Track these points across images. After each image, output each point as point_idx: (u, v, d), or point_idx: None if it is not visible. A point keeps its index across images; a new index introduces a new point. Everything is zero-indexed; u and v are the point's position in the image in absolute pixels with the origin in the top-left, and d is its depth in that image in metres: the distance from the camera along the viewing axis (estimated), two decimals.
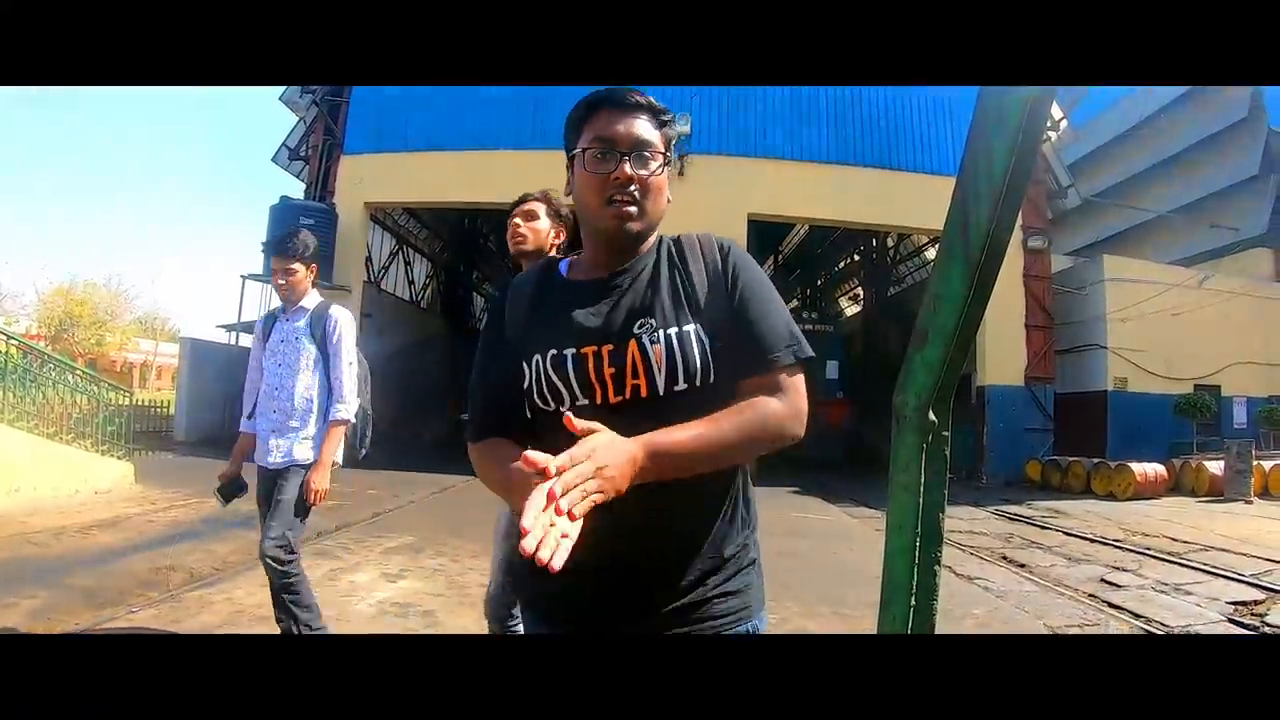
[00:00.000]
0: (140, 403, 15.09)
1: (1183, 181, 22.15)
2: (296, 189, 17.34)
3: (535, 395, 1.32)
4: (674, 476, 1.16)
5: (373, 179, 15.65)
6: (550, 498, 0.98)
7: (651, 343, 1.27)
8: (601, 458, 1.07)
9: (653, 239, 1.41)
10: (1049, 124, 15.14)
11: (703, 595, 1.27)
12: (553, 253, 2.82)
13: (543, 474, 1.00)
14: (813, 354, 1.29)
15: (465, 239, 25.39)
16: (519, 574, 1.35)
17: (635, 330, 1.29)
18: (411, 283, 21.76)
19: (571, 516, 0.99)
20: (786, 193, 15.30)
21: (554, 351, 1.30)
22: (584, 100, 1.36)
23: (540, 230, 2.73)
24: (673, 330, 1.28)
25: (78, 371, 10.76)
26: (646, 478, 1.12)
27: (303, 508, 3.32)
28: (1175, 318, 15.84)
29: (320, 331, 3.40)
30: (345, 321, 3.46)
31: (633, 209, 1.31)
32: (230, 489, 3.52)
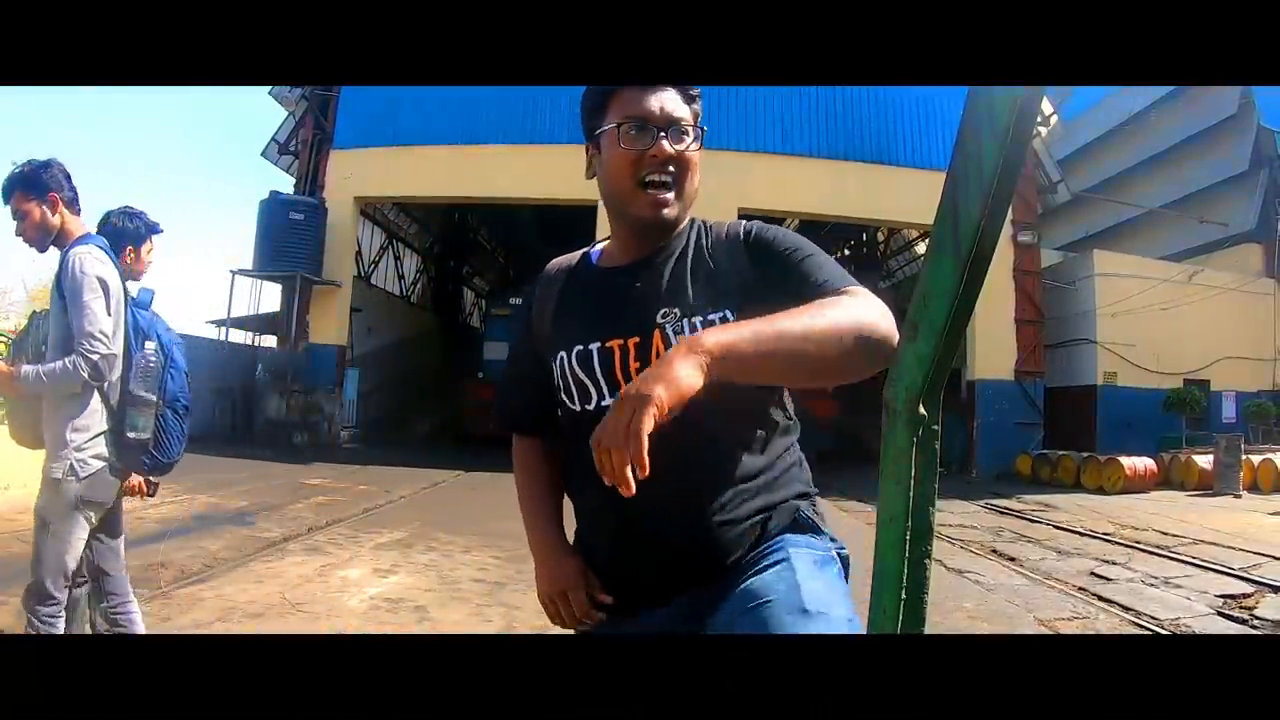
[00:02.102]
0: None
1: (1172, 177, 22.22)
2: (286, 184, 17.28)
3: (563, 394, 1.25)
4: (754, 374, 1.01)
5: (363, 173, 15.59)
6: (596, 445, 0.93)
7: (675, 333, 1.17)
8: (634, 385, 0.94)
9: (685, 221, 1.30)
10: (1039, 119, 15.19)
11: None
12: (58, 220, 2.63)
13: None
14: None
15: (455, 233, 25.34)
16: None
17: (659, 320, 1.19)
18: (402, 277, 21.70)
19: (641, 461, 0.90)
20: (777, 187, 15.32)
21: (580, 347, 1.22)
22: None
23: (34, 225, 2.60)
24: (698, 319, 1.18)
25: None
26: (715, 372, 0.95)
27: None
28: (1165, 312, 15.94)
29: None
30: None
31: (669, 195, 1.21)
32: None
